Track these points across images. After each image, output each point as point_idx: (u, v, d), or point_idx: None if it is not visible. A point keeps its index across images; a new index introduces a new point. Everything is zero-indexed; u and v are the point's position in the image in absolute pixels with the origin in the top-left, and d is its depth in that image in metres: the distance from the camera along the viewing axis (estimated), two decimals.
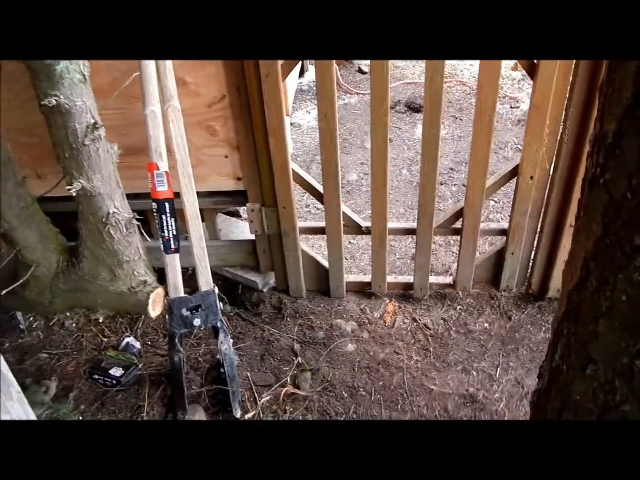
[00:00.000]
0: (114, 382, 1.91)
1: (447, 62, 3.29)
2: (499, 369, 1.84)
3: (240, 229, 2.44)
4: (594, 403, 0.89)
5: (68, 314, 2.21)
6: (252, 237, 2.23)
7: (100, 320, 2.21)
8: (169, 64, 1.49)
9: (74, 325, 2.22)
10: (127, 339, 2.10)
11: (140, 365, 1.99)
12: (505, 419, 1.64)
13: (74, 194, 1.40)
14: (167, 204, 1.58)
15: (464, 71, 4.40)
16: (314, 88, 4.01)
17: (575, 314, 0.90)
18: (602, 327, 0.83)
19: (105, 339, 2.16)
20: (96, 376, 1.94)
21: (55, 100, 1.26)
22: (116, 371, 1.95)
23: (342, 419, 1.71)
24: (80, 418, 1.86)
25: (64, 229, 1.98)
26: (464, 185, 2.99)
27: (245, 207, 3.05)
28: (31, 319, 2.23)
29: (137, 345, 2.09)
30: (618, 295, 0.79)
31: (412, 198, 2.95)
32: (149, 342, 2.13)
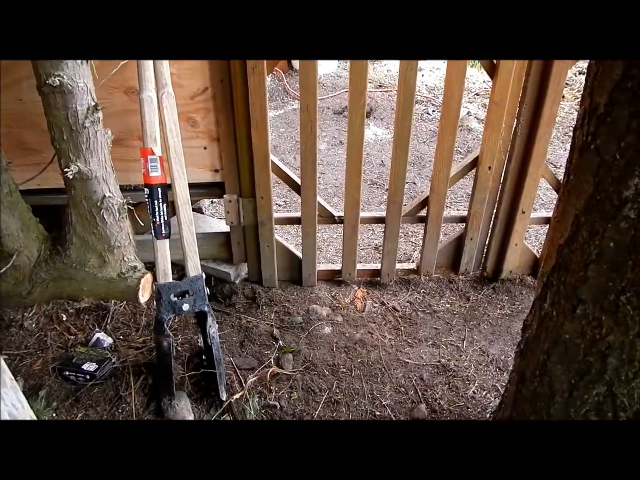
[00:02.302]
0: (88, 377, 1.87)
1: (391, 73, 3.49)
2: (464, 341, 2.02)
3: (207, 224, 2.47)
4: (582, 338, 1.05)
5: (25, 314, 2.14)
6: (224, 230, 2.27)
7: (64, 319, 2.17)
8: None
9: (33, 325, 2.15)
10: (97, 335, 2.06)
11: (114, 360, 1.96)
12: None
13: (70, 177, 1.40)
14: (159, 189, 1.60)
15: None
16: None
17: (566, 265, 1.06)
18: (591, 272, 0.99)
19: (71, 337, 2.11)
20: (67, 373, 1.89)
21: (59, 80, 1.27)
22: (89, 366, 1.90)
23: (326, 395, 1.81)
24: (54, 415, 1.82)
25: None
26: (414, 183, 3.20)
27: (213, 201, 3.08)
28: None
29: (109, 340, 2.06)
30: (607, 242, 0.95)
31: (367, 195, 3.11)
32: (121, 337, 2.11)
